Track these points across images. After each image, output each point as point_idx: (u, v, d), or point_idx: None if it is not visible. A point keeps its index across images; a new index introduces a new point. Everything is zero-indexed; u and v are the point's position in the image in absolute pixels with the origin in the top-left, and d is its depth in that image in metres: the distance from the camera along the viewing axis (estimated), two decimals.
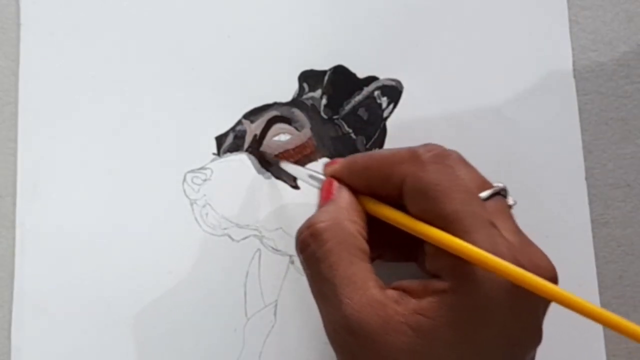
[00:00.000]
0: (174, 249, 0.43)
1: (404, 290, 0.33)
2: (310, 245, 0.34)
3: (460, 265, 0.32)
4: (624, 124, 0.46)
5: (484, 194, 0.35)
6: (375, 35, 0.46)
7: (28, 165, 0.44)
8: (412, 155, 0.34)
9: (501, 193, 0.36)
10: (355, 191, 0.36)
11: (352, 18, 0.46)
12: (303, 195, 0.44)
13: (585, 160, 0.46)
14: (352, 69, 0.46)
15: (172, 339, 0.43)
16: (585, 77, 0.47)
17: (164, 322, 0.43)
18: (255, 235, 0.44)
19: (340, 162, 0.37)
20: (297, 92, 0.45)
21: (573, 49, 0.47)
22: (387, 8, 0.46)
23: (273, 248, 0.44)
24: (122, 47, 0.45)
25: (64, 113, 0.44)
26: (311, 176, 0.39)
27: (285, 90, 0.45)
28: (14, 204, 0.43)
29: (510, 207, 0.36)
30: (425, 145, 0.35)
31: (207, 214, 0.43)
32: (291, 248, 0.44)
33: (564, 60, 0.47)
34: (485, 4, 0.47)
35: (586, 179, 0.46)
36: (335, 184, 0.36)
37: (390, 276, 0.35)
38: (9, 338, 0.42)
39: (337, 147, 0.44)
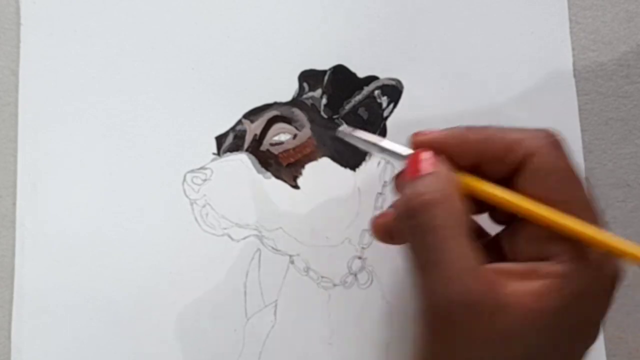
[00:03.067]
0: (174, 249, 0.43)
1: (509, 273, 0.32)
2: (421, 215, 0.32)
3: (578, 251, 0.31)
4: (623, 123, 0.46)
5: None
6: (375, 35, 0.46)
7: (28, 165, 0.44)
8: (547, 134, 0.33)
9: None
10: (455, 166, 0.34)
11: (352, 18, 0.46)
12: (303, 195, 0.44)
13: (585, 160, 0.46)
14: (352, 68, 0.46)
15: (172, 339, 0.43)
16: (585, 77, 0.47)
17: (164, 322, 0.43)
18: (255, 235, 0.44)
19: (434, 133, 0.35)
20: (297, 91, 0.45)
21: (573, 49, 0.47)
22: (387, 8, 0.46)
23: (273, 248, 0.44)
24: (122, 47, 0.45)
25: (64, 113, 0.44)
26: (385, 149, 0.36)
27: (285, 90, 0.45)
28: (14, 203, 0.43)
29: None
30: (547, 129, 0.34)
31: (207, 214, 0.43)
32: (291, 247, 0.44)
33: (564, 60, 0.47)
34: (485, 4, 0.47)
35: (586, 178, 0.46)
36: (433, 156, 0.34)
37: None
38: (9, 338, 0.42)
39: (338, 147, 0.44)
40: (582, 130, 0.46)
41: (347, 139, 0.39)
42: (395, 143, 0.36)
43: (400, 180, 0.35)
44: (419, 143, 0.35)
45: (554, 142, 0.33)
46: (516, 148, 0.33)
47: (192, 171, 0.44)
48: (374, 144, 0.37)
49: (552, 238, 0.32)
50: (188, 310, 0.43)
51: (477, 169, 0.34)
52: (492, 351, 0.31)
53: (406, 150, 0.35)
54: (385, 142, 0.36)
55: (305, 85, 0.45)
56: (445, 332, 0.32)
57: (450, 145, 0.34)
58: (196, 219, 0.44)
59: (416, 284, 0.33)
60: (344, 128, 0.40)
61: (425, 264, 0.32)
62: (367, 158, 0.45)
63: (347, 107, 0.45)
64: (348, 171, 0.44)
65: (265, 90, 0.45)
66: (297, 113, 0.45)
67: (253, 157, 0.44)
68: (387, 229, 0.37)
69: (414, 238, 0.33)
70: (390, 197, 0.44)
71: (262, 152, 0.44)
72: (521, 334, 0.31)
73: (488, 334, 0.31)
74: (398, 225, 0.34)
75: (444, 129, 0.35)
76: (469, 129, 0.34)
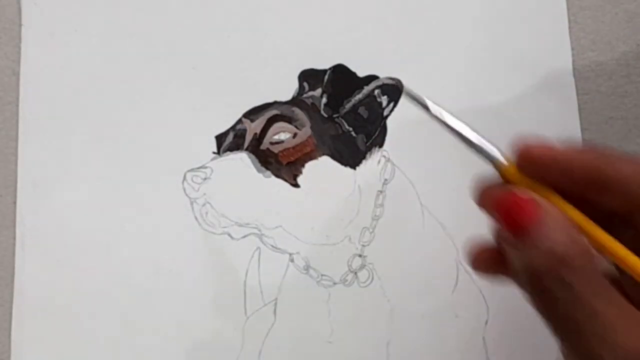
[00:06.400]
0: (174, 248, 0.43)
1: None
2: (557, 273, 0.26)
3: None
4: (624, 123, 0.46)
5: None
6: (375, 35, 0.46)
7: (28, 165, 0.44)
8: None
9: None
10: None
11: (352, 18, 0.46)
12: (303, 194, 0.44)
13: None
14: (352, 68, 0.46)
15: (172, 338, 0.42)
16: (585, 76, 0.47)
17: (163, 321, 0.43)
18: (255, 234, 0.44)
19: (545, 148, 0.28)
20: (297, 91, 0.45)
21: (573, 49, 0.47)
22: (387, 8, 0.47)
23: (273, 246, 0.44)
24: (122, 47, 0.45)
25: (64, 113, 0.45)
26: (475, 145, 0.29)
27: (285, 89, 0.45)
28: (14, 203, 0.43)
29: None
30: None
31: (206, 213, 0.43)
32: (291, 246, 0.44)
33: (564, 60, 0.47)
34: (485, 5, 0.47)
35: None
36: (543, 205, 0.26)
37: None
38: (9, 338, 0.42)
39: (338, 146, 0.44)
40: (583, 130, 0.46)
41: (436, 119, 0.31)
42: (487, 142, 0.29)
43: (504, 231, 0.27)
44: (524, 158, 0.28)
45: None
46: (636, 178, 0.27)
47: (192, 170, 0.44)
48: (459, 133, 0.30)
49: None
50: (187, 309, 0.43)
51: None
52: None
53: (502, 158, 0.29)
54: (474, 136, 0.30)
55: (305, 84, 0.45)
56: None
57: (559, 168, 0.27)
58: (196, 218, 0.44)
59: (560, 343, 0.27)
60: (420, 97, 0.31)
61: (566, 330, 0.26)
62: (367, 156, 0.45)
63: (347, 106, 0.45)
64: (348, 169, 0.44)
65: (265, 89, 0.45)
66: (297, 112, 0.45)
67: (253, 156, 0.44)
68: (492, 263, 0.30)
69: (546, 301, 0.27)
70: (390, 195, 0.44)
71: (262, 150, 0.44)
72: None
73: None
74: (517, 282, 0.28)
75: (555, 144, 0.28)
76: (583, 151, 0.28)
